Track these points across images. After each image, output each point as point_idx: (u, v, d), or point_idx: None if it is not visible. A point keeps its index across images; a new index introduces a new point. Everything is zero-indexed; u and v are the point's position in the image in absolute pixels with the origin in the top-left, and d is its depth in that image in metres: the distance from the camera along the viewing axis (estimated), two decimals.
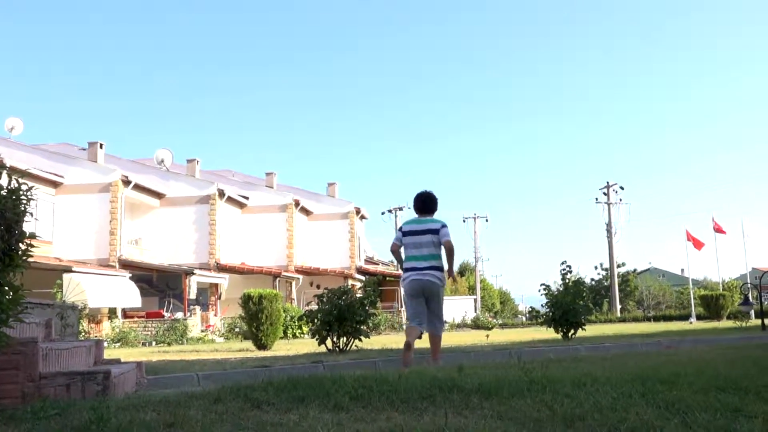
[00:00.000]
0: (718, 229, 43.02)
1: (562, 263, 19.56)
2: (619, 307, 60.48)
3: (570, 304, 18.50)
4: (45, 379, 6.42)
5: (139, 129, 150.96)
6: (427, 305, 10.26)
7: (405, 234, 10.41)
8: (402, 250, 10.39)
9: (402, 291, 11.25)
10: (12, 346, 6.08)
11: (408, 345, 9.92)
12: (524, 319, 64.23)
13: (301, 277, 43.01)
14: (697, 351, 11.81)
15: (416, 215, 10.67)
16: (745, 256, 43.81)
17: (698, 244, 43.31)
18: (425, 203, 10.61)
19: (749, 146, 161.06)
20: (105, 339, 25.88)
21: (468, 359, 11.81)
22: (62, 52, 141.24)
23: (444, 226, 10.32)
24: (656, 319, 46.48)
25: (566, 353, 12.85)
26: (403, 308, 44.11)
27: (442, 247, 10.23)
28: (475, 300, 65.03)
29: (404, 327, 28.03)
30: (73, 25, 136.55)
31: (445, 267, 10.26)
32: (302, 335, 30.50)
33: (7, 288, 5.66)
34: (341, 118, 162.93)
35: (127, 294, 31.85)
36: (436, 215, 10.63)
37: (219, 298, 37.90)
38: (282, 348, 19.23)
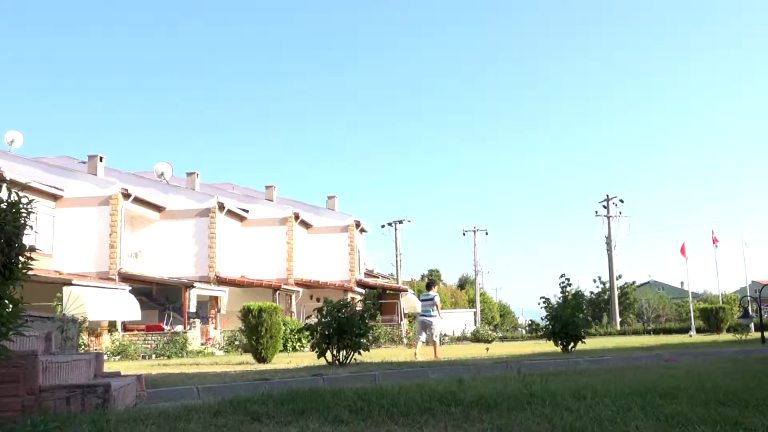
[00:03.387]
0: (715, 241, 43.03)
1: (562, 276, 19.58)
2: (618, 320, 60.40)
3: (569, 317, 18.52)
4: (45, 392, 6.41)
5: (138, 142, 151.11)
6: (426, 330, 20.51)
7: (422, 300, 21.61)
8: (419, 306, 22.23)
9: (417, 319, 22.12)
10: (12, 360, 6.07)
11: (416, 345, 20.83)
12: (524, 332, 64.03)
13: (300, 290, 42.98)
14: (697, 364, 11.83)
15: (424, 291, 21.89)
16: (744, 269, 43.92)
17: (684, 252, 43.22)
18: (428, 285, 21.53)
19: (750, 158, 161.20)
20: (105, 352, 25.83)
21: (468, 372, 11.82)
22: (62, 65, 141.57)
23: (435, 296, 20.59)
24: (656, 332, 46.44)
25: (566, 366, 12.86)
26: (403, 321, 44.81)
27: (435, 303, 20.44)
28: (475, 313, 64.96)
29: (406, 340, 40.10)
30: (74, 38, 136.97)
31: (436, 312, 20.31)
32: (302, 348, 30.49)
33: (7, 301, 5.67)
34: (341, 132, 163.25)
35: (127, 307, 31.80)
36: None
37: (219, 311, 37.84)
38: (282, 361, 19.22)
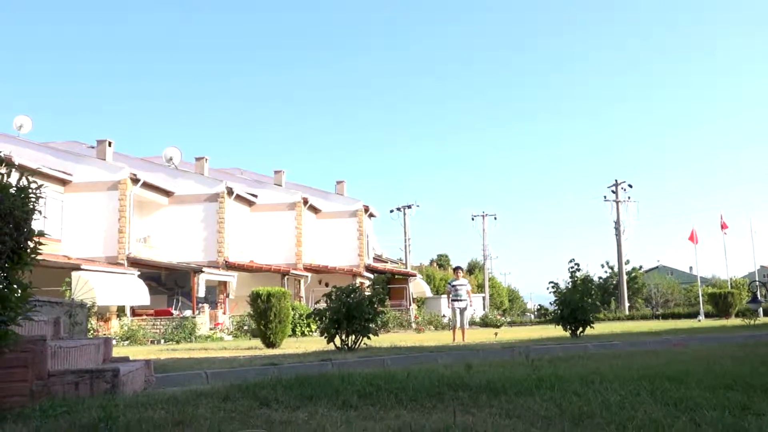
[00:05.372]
0: (723, 227, 42.87)
1: (571, 261, 19.55)
2: (627, 304, 60.32)
3: (578, 302, 18.50)
4: (54, 377, 6.43)
5: (147, 127, 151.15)
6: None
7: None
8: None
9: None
10: (21, 344, 6.09)
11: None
12: (533, 317, 64.04)
13: (309, 275, 42.98)
14: (706, 349, 11.80)
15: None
16: (753, 253, 43.80)
17: (694, 239, 43.16)
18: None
19: (759, 143, 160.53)
20: (113, 337, 25.94)
21: (476, 357, 11.82)
22: (71, 49, 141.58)
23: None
24: (665, 317, 46.31)
25: (575, 351, 12.86)
26: (412, 306, 44.94)
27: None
28: (484, 298, 64.94)
29: (414, 325, 39.62)
30: (83, 22, 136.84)
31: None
32: (311, 333, 30.52)
33: (15, 286, 5.68)
34: (350, 116, 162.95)
35: (136, 292, 31.91)
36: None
37: (227, 296, 37.91)
38: (291, 346, 19.24)
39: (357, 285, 17.21)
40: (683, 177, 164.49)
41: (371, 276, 46.91)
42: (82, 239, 33.62)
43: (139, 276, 33.18)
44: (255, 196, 43.49)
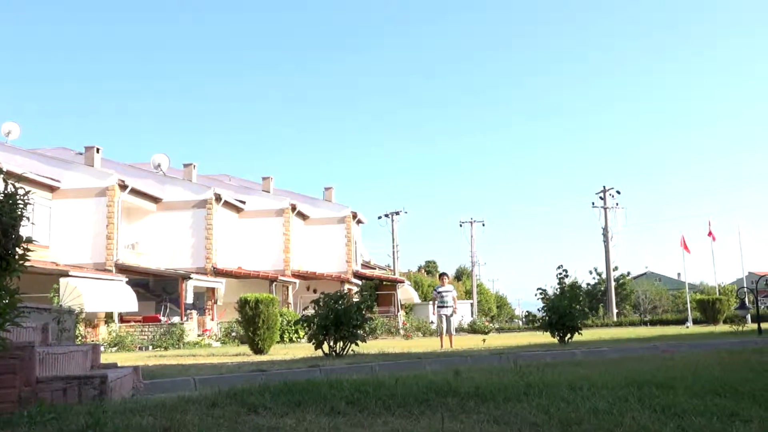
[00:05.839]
0: (710, 235, 43.04)
1: (559, 267, 19.55)
2: (615, 311, 60.39)
3: (566, 309, 18.50)
4: (42, 384, 6.41)
5: (136, 133, 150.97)
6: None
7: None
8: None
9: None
10: (9, 351, 6.07)
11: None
12: (521, 323, 64.07)
13: (297, 281, 42.98)
14: (694, 355, 11.83)
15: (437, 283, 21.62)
16: (741, 260, 43.93)
17: (687, 249, 43.33)
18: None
19: (747, 150, 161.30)
20: (102, 343, 25.78)
21: (464, 363, 11.82)
22: (60, 56, 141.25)
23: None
24: (653, 323, 46.42)
25: (562, 357, 12.87)
26: (400, 312, 45.08)
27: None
28: (472, 304, 64.96)
29: (402, 332, 39.65)
30: (71, 28, 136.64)
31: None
32: (299, 339, 30.50)
33: (3, 292, 5.67)
34: (338, 123, 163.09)
35: (124, 298, 31.79)
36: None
37: (215, 302, 37.81)
38: (279, 352, 19.22)
39: (345, 291, 17.21)
40: (671, 183, 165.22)
41: (359, 282, 46.72)
42: (70, 246, 33.47)
43: (127, 282, 33.06)
44: (243, 202, 43.45)
